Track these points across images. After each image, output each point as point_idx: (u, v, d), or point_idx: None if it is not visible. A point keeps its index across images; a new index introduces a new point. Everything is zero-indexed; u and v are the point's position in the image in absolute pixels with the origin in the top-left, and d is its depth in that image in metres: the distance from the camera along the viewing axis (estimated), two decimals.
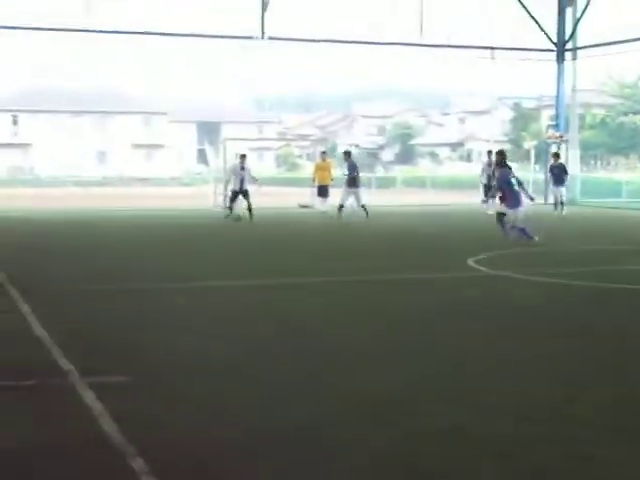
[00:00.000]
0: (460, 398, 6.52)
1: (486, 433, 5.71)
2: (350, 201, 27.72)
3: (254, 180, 27.90)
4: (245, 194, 27.21)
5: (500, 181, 19.07)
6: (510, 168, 19.48)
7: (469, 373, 7.34)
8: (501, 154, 20.04)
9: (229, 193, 27.70)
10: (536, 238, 18.19)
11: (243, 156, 27.89)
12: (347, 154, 29.09)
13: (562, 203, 29.09)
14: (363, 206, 26.81)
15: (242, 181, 27.26)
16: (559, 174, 29.71)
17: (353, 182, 27.54)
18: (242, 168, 27.44)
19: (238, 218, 25.88)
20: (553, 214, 28.57)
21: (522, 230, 18.38)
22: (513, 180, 18.68)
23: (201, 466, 5.15)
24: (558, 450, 5.35)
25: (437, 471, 5.07)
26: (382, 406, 6.31)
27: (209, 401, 6.49)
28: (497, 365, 7.63)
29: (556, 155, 31.40)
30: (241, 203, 27.22)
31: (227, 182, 28.03)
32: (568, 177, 30.55)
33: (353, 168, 27.83)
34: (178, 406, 6.33)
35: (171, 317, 9.99)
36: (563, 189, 29.76)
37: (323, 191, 29.84)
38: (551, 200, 35.83)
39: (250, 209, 26.78)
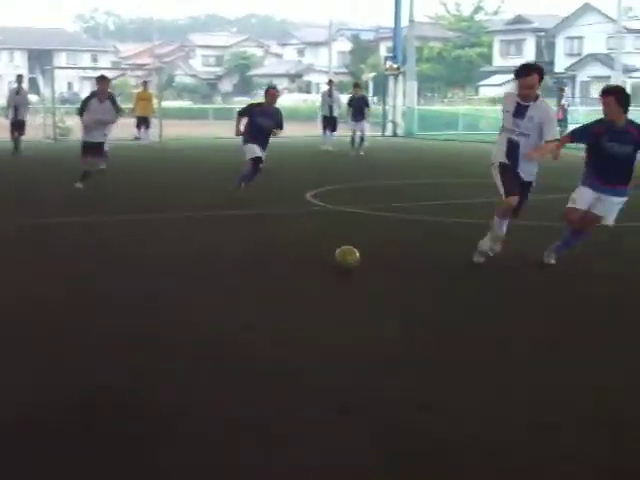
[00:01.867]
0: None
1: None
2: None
3: (27, 107, 23.76)
4: (20, 126, 22.88)
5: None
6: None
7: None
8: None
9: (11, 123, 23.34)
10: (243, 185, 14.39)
11: (19, 77, 24.23)
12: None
13: (362, 139, 25.36)
14: None
15: (16, 110, 22.84)
16: (360, 107, 25.42)
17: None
18: (17, 92, 23.25)
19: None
20: (350, 153, 24.74)
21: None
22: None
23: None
24: None
25: None
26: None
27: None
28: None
29: (356, 85, 27.41)
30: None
31: (7, 111, 23.48)
32: (369, 111, 26.19)
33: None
34: None
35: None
36: (364, 123, 25.59)
37: (144, 122, 28.85)
38: (389, 132, 35.56)
39: (17, 145, 22.87)
